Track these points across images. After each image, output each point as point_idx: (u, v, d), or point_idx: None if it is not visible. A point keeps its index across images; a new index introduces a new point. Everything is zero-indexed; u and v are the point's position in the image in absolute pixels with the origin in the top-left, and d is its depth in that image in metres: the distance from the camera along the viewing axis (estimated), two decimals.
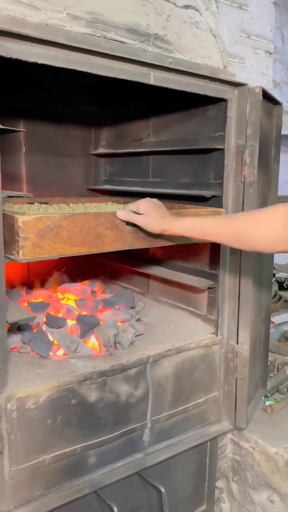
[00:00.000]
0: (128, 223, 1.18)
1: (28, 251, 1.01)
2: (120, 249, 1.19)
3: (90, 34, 1.14)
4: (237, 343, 1.55)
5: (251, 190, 1.44)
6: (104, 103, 1.96)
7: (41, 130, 1.86)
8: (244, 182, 1.45)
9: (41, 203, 1.65)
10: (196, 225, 1.16)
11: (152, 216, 1.16)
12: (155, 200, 1.23)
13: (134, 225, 1.19)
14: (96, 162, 2.07)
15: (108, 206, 1.65)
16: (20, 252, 1.00)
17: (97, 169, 2.07)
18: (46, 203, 1.69)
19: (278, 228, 1.00)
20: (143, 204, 1.18)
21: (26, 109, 1.78)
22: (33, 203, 1.62)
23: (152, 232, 1.18)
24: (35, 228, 1.01)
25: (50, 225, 1.03)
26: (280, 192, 1.86)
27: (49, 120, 1.87)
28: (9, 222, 1.02)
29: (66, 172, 1.98)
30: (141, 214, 1.17)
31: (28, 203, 1.62)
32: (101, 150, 2.04)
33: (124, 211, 1.18)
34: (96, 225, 1.12)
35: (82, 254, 1.11)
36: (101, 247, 1.14)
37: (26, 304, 1.51)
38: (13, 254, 1.02)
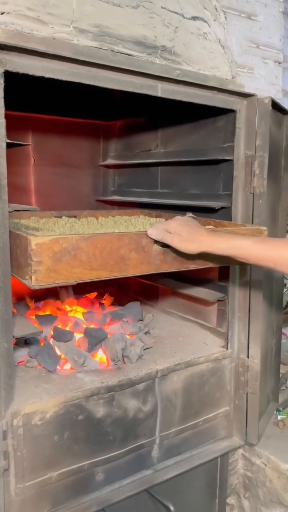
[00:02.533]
0: (156, 243, 1.07)
1: (42, 276, 0.91)
2: (146, 273, 1.08)
3: (97, 47, 1.14)
4: (248, 357, 1.52)
5: (260, 201, 1.42)
6: (112, 114, 1.96)
7: (49, 141, 1.86)
8: (253, 193, 1.43)
9: (70, 216, 1.56)
10: (245, 247, 1.05)
11: (188, 235, 1.05)
12: (187, 218, 1.14)
13: (163, 245, 1.08)
14: (104, 173, 2.07)
15: (139, 220, 1.54)
16: (33, 277, 0.90)
17: (106, 180, 2.07)
18: (74, 216, 1.60)
19: None
20: (172, 224, 1.07)
21: (34, 121, 1.79)
22: (61, 217, 1.53)
23: (188, 252, 1.07)
24: (50, 251, 0.91)
25: (67, 247, 0.93)
26: None
27: (57, 131, 1.87)
28: (22, 243, 0.94)
29: (74, 183, 1.98)
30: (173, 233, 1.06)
31: (55, 216, 1.54)
32: (109, 161, 2.03)
33: (156, 229, 1.06)
34: (119, 246, 1.01)
35: (102, 278, 1.00)
36: (124, 271, 1.03)
37: (33, 317, 1.50)
38: (26, 279, 0.94)
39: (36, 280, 0.90)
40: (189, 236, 1.05)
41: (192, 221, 1.12)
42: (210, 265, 1.17)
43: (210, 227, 1.27)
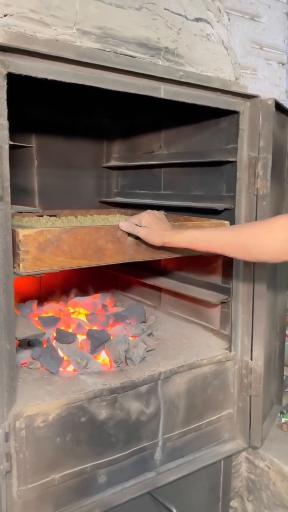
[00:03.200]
0: (130, 235, 1.19)
1: (29, 264, 1.02)
2: (121, 262, 1.20)
3: (100, 49, 1.14)
4: (251, 359, 1.51)
5: (264, 202, 1.42)
6: (115, 116, 1.96)
7: (53, 143, 1.87)
8: (257, 195, 1.42)
9: (50, 215, 1.65)
10: (198, 237, 1.17)
11: (153, 228, 1.18)
12: (157, 212, 1.25)
13: (136, 237, 1.20)
14: (108, 174, 2.07)
15: (115, 218, 1.64)
16: (21, 265, 1.02)
17: (109, 182, 2.07)
18: (55, 215, 1.69)
19: (281, 239, 1.02)
20: (145, 217, 1.20)
21: (38, 123, 1.79)
22: (42, 216, 1.63)
23: (153, 244, 1.20)
24: (35, 241, 1.03)
25: (50, 238, 1.05)
26: None
27: (61, 133, 1.88)
28: (13, 236, 1.04)
29: (78, 184, 1.98)
30: (143, 226, 1.19)
31: (37, 215, 1.63)
32: (113, 163, 2.03)
33: (127, 222, 1.19)
34: (97, 238, 1.13)
35: (82, 267, 1.12)
36: (102, 260, 1.15)
37: (36, 318, 1.50)
38: (14, 267, 1.04)
39: (23, 268, 1.02)
40: (155, 229, 1.18)
41: (161, 216, 1.24)
42: (175, 255, 1.30)
43: (178, 223, 1.37)
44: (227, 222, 1.42)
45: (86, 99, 1.72)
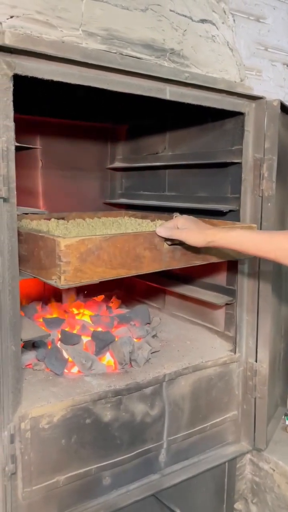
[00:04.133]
0: (166, 241, 1.14)
1: (70, 276, 0.96)
2: (158, 270, 1.15)
3: (106, 51, 1.14)
4: (256, 361, 1.51)
5: (269, 204, 1.41)
6: (120, 117, 1.96)
7: (57, 145, 1.87)
8: (262, 196, 1.42)
9: (58, 218, 1.64)
10: (247, 238, 1.11)
11: (193, 229, 1.14)
12: (189, 216, 1.22)
13: (172, 244, 1.16)
14: (112, 176, 2.06)
15: (126, 221, 1.63)
16: (62, 277, 0.95)
17: (113, 183, 2.07)
18: (62, 218, 1.67)
19: None
20: (181, 220, 1.16)
21: (43, 124, 1.79)
22: (49, 219, 1.61)
23: (196, 245, 1.15)
24: (77, 251, 0.97)
25: (91, 247, 0.99)
26: None
27: (65, 134, 1.88)
28: (48, 245, 0.99)
29: (82, 186, 1.98)
30: (181, 229, 1.15)
31: (45, 219, 1.62)
32: (117, 164, 2.03)
33: (163, 227, 1.14)
34: (135, 245, 1.08)
35: (121, 277, 1.07)
36: (139, 269, 1.10)
37: (41, 320, 1.50)
38: (53, 279, 0.98)
39: (65, 280, 0.96)
40: (197, 229, 1.14)
41: (195, 218, 1.20)
42: (213, 260, 1.26)
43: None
44: (255, 225, 1.37)
45: (91, 100, 1.71)
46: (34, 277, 1.08)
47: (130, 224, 1.52)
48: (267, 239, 1.09)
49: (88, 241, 0.99)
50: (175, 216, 1.23)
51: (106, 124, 1.99)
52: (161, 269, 1.15)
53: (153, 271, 1.14)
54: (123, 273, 1.06)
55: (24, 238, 1.10)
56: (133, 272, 1.09)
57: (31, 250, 1.07)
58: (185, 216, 1.21)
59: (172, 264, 1.18)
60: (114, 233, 1.14)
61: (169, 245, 1.15)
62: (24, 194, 1.79)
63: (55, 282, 0.97)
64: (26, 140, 1.66)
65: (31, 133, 1.78)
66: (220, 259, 1.29)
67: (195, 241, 1.13)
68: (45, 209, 1.85)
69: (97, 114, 1.90)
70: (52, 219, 1.57)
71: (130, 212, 1.92)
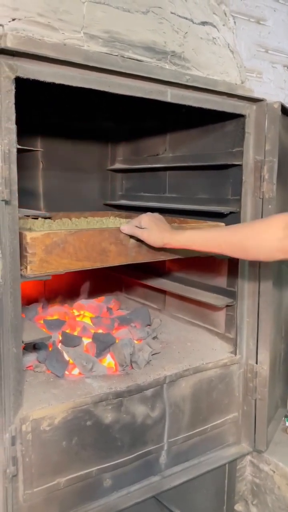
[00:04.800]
0: (132, 237, 1.22)
1: (36, 266, 1.04)
2: (123, 263, 1.23)
3: (107, 53, 1.14)
4: (257, 363, 1.51)
5: (270, 206, 1.41)
6: (120, 118, 1.96)
7: (58, 146, 1.87)
8: (262, 198, 1.42)
9: (45, 218, 1.64)
10: (196, 238, 1.19)
11: (153, 230, 1.20)
12: (156, 214, 1.28)
13: (137, 239, 1.23)
14: (112, 177, 2.07)
15: (110, 221, 1.66)
16: (28, 267, 1.03)
17: (114, 184, 2.07)
18: (49, 217, 1.68)
19: (277, 238, 1.04)
20: (145, 219, 1.22)
21: (43, 126, 1.79)
22: (37, 218, 1.62)
23: (153, 245, 1.22)
24: (42, 244, 1.04)
25: (57, 241, 1.07)
26: None
27: (66, 136, 1.88)
28: (21, 238, 1.04)
29: (82, 187, 1.98)
30: (143, 228, 1.21)
31: (32, 217, 1.62)
32: (117, 166, 2.03)
33: (128, 225, 1.22)
34: (101, 240, 1.16)
35: (86, 268, 1.14)
36: (105, 262, 1.18)
37: (41, 321, 1.50)
38: (21, 270, 1.05)
39: (31, 270, 1.04)
40: (155, 231, 1.20)
41: (160, 218, 1.26)
42: (175, 256, 1.33)
43: (174, 224, 1.39)
44: (222, 224, 1.43)
45: (92, 102, 1.72)
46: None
47: (112, 223, 1.58)
48: (214, 235, 1.19)
49: (54, 234, 1.06)
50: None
51: (107, 125, 1.99)
52: (127, 263, 1.23)
53: (119, 264, 1.21)
54: (88, 265, 1.14)
55: None
56: (98, 265, 1.16)
57: None
58: (149, 214, 1.26)
59: (138, 258, 1.25)
60: (80, 228, 1.23)
61: (136, 240, 1.23)
62: (25, 196, 1.78)
63: (23, 272, 1.04)
64: (26, 141, 1.66)
65: (31, 134, 1.78)
66: (183, 256, 1.35)
67: (153, 242, 1.21)
68: (45, 210, 1.85)
69: (98, 116, 1.90)
70: (39, 218, 1.57)
71: (116, 212, 1.97)
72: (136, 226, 1.22)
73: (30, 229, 1.14)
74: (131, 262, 1.24)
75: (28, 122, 1.67)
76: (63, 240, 1.08)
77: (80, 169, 1.96)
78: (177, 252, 1.31)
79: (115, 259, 1.20)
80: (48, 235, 1.05)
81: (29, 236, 1.03)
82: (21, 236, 1.04)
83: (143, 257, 1.26)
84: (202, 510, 1.55)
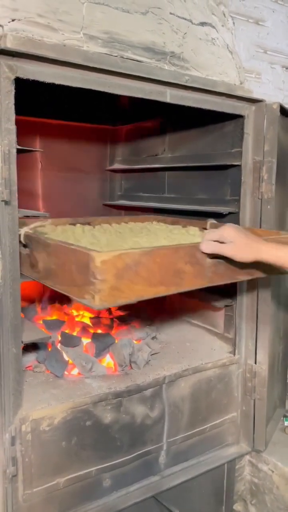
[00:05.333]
0: (208, 255, 1.03)
1: (106, 295, 0.84)
2: (199, 287, 1.03)
3: (107, 54, 1.14)
4: (255, 363, 1.51)
5: (269, 206, 1.42)
6: (120, 119, 1.97)
7: (57, 146, 1.87)
8: (261, 199, 1.43)
9: (83, 224, 1.51)
10: None
11: (241, 243, 1.02)
12: (237, 225, 1.11)
13: (214, 258, 1.04)
14: (111, 177, 2.07)
15: (154, 226, 1.52)
16: (97, 297, 0.83)
17: (113, 185, 2.07)
18: (88, 223, 1.54)
19: None
20: (229, 231, 1.03)
21: (42, 126, 1.79)
22: (75, 224, 1.47)
23: (243, 261, 1.03)
24: (114, 268, 0.83)
25: (129, 263, 0.86)
26: None
27: (65, 136, 1.88)
28: (81, 260, 0.86)
29: (81, 187, 1.98)
30: (225, 242, 1.02)
31: (70, 224, 1.49)
32: (116, 166, 2.04)
33: (207, 242, 1.02)
34: (176, 259, 0.96)
35: (160, 295, 0.94)
36: (180, 286, 0.97)
37: (41, 321, 1.50)
38: (86, 299, 0.86)
39: (100, 300, 0.83)
40: (245, 244, 1.02)
41: (242, 228, 1.10)
42: (257, 275, 1.14)
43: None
44: None
45: (91, 102, 1.72)
46: (65, 294, 0.96)
47: (160, 231, 1.41)
48: None
49: (126, 255, 0.86)
50: (210, 222, 1.13)
51: (106, 126, 2.00)
52: (203, 286, 1.03)
53: (194, 288, 1.02)
54: (162, 291, 0.93)
55: (53, 250, 0.97)
56: (172, 290, 0.96)
57: (61, 264, 0.95)
58: (231, 225, 1.07)
59: (215, 280, 1.05)
60: (153, 247, 1.00)
61: (211, 258, 1.04)
62: (24, 196, 1.77)
63: (89, 301, 0.85)
64: (25, 142, 1.66)
65: (30, 134, 1.78)
66: (266, 274, 1.17)
67: (243, 257, 1.03)
68: (44, 210, 1.85)
69: (97, 116, 1.90)
70: (78, 225, 1.46)
71: (160, 217, 1.75)
72: (217, 241, 1.02)
73: (94, 250, 0.87)
74: (207, 285, 1.04)
75: (27, 121, 1.68)
76: (137, 261, 0.87)
77: (79, 169, 1.96)
78: (262, 269, 1.12)
79: (190, 282, 0.99)
80: (120, 257, 0.84)
81: (98, 258, 0.82)
82: (86, 257, 0.84)
83: (220, 278, 1.06)
84: (201, 510, 1.55)
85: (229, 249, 1.01)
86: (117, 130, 2.01)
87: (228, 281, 1.11)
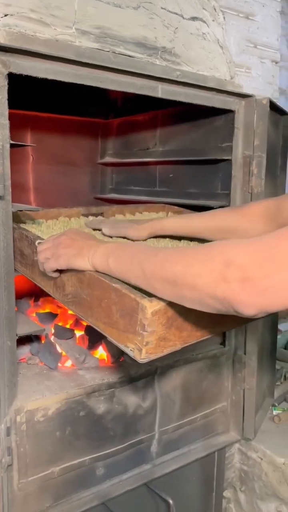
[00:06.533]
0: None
1: (153, 348, 0.74)
2: (239, 327, 0.91)
3: (99, 49, 1.15)
4: (245, 353, 1.55)
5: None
6: (111, 112, 1.97)
7: (48, 139, 1.87)
8: (251, 193, 1.45)
9: (96, 214, 1.45)
10: (176, 225, 1.18)
11: (133, 226, 1.22)
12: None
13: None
14: (102, 171, 2.08)
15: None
16: (144, 350, 0.73)
17: (104, 178, 2.08)
18: (102, 214, 1.49)
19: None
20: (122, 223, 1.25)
21: (33, 119, 1.79)
22: (87, 216, 1.42)
23: (139, 238, 1.20)
24: (164, 317, 0.73)
25: (180, 309, 0.74)
26: None
27: (56, 129, 1.88)
28: (125, 303, 0.75)
29: (73, 181, 1.99)
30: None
31: (83, 215, 1.44)
32: (108, 159, 2.04)
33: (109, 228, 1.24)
34: None
35: (204, 339, 0.84)
36: (223, 326, 0.87)
37: (34, 314, 1.51)
38: (128, 348, 0.76)
39: (146, 353, 0.73)
40: (136, 225, 1.20)
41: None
42: None
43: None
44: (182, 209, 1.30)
45: (82, 95, 1.72)
46: (99, 331, 0.86)
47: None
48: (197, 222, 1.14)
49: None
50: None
51: (97, 119, 2.00)
52: (241, 326, 0.90)
53: (235, 327, 0.93)
54: (207, 334, 0.82)
55: (88, 279, 0.85)
56: (217, 331, 0.86)
57: (97, 298, 0.83)
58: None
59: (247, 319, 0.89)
60: None
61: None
62: (15, 189, 1.78)
63: (132, 352, 0.76)
64: (16, 135, 1.66)
65: (21, 128, 1.78)
66: None
67: (139, 235, 1.18)
68: (35, 204, 1.86)
69: (88, 109, 1.90)
70: (90, 217, 1.39)
71: (175, 207, 1.64)
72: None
73: (143, 297, 0.74)
74: (243, 325, 0.91)
75: (18, 114, 1.68)
76: (187, 308, 0.72)
77: (70, 163, 1.97)
78: None
79: (233, 322, 0.87)
80: (171, 304, 0.72)
81: (150, 309, 0.70)
82: (133, 304, 0.73)
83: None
84: (192, 497, 1.59)
85: (127, 231, 1.19)
86: (109, 124, 2.02)
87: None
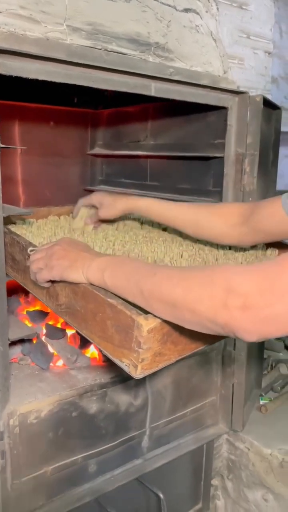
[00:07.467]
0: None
1: (148, 364, 0.74)
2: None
3: (91, 47, 1.12)
4: (234, 349, 1.57)
5: (250, 199, 1.44)
6: (101, 103, 1.93)
7: (36, 130, 1.83)
8: (243, 191, 1.45)
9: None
10: (149, 206, 1.23)
11: (108, 203, 1.33)
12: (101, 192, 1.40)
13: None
14: (92, 162, 2.04)
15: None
16: (139, 367, 0.73)
17: (94, 169, 2.05)
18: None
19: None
20: (96, 197, 1.37)
21: (21, 110, 1.74)
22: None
23: (112, 217, 1.34)
24: (159, 334, 0.73)
25: (175, 325, 0.73)
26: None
27: (44, 120, 1.84)
28: (121, 320, 0.74)
29: (62, 172, 1.95)
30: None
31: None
32: (97, 150, 2.01)
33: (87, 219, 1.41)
34: None
35: (198, 350, 0.83)
36: (218, 337, 0.85)
37: (24, 312, 1.50)
38: (122, 362, 0.77)
39: (142, 369, 0.74)
40: (112, 202, 1.32)
41: (107, 192, 1.34)
42: None
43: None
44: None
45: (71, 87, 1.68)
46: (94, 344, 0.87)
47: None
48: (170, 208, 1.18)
49: None
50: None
51: (87, 109, 1.96)
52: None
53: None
54: (201, 345, 0.82)
55: (83, 294, 0.84)
56: (210, 342, 0.86)
57: (91, 312, 0.83)
58: (98, 192, 1.35)
59: None
60: None
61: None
62: (3, 183, 1.75)
63: (127, 368, 0.76)
64: (4, 126, 1.62)
65: (9, 119, 1.74)
66: None
67: (110, 214, 1.27)
68: (24, 196, 1.83)
69: (78, 100, 1.86)
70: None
71: None
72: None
73: (139, 314, 0.73)
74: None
75: (5, 105, 1.63)
76: None
77: (59, 154, 1.93)
78: None
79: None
80: (166, 320, 0.72)
81: (146, 327, 0.70)
82: (129, 321, 0.72)
83: None
84: (181, 488, 1.63)
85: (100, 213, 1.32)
86: (98, 114, 1.97)
87: None
